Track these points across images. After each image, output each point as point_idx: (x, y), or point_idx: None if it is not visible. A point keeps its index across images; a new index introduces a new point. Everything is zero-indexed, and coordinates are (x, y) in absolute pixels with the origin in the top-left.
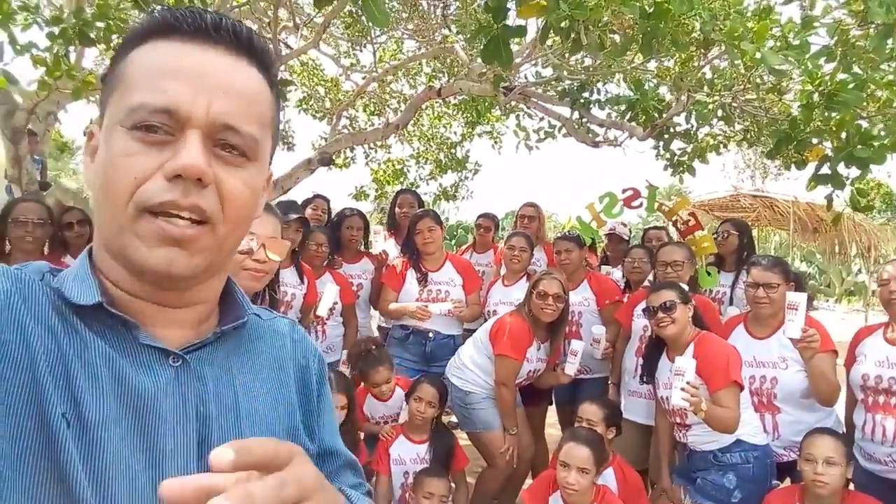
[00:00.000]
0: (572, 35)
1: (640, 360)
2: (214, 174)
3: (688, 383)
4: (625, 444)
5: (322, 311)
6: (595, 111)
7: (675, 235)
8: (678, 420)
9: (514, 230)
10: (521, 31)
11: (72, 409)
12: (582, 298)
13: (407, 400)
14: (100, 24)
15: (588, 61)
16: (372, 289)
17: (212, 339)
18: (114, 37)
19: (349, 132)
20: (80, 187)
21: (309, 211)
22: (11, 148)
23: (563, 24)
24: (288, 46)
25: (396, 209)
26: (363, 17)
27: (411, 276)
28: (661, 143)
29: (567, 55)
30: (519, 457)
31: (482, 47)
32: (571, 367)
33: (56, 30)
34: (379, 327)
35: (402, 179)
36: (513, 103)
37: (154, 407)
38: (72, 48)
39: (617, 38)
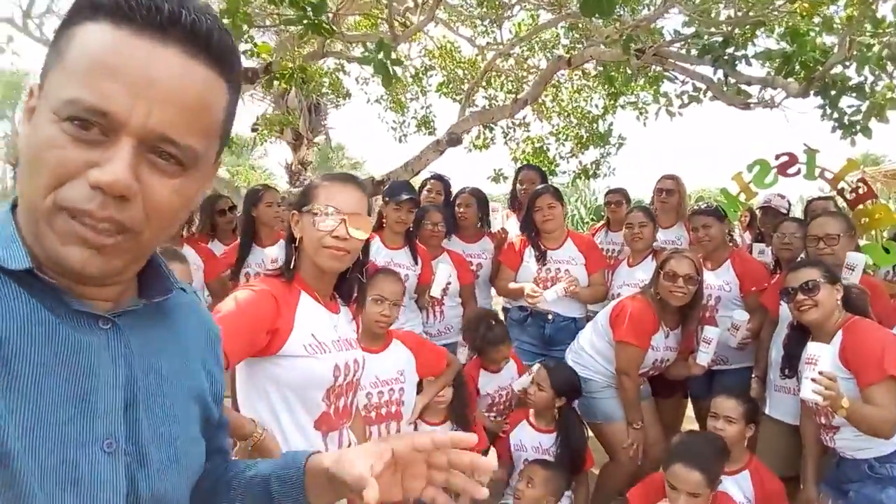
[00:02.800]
0: None
1: None
2: (143, 184)
3: (820, 373)
4: (769, 446)
5: (435, 291)
6: (743, 68)
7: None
8: (823, 420)
9: (637, 206)
10: None
11: (1, 367)
12: (722, 282)
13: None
14: (226, 20)
15: (730, 12)
16: (492, 268)
17: (139, 307)
18: (244, 28)
19: (478, 111)
20: (231, 178)
21: (424, 193)
22: None
23: None
24: (405, 26)
25: (518, 186)
26: None
27: (529, 254)
28: (828, 101)
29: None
30: (645, 453)
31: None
32: (705, 357)
33: None
34: (503, 308)
35: (541, 158)
36: (656, 69)
37: (88, 365)
38: None
39: None
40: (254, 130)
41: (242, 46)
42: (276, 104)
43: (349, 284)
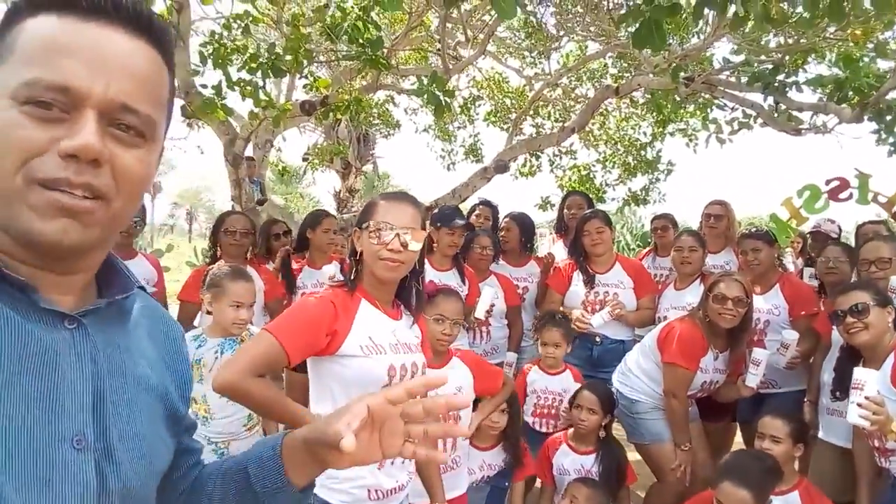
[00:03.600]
0: (731, 6)
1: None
2: (109, 153)
3: (867, 398)
4: (822, 470)
5: (479, 313)
6: (793, 94)
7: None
8: (877, 443)
9: (686, 229)
10: (674, 10)
11: None
12: (771, 306)
13: (569, 407)
14: (289, 57)
15: (780, 40)
16: (538, 291)
17: (102, 306)
18: (304, 64)
19: (525, 139)
20: (286, 204)
21: (472, 218)
22: (232, 171)
23: None
24: (456, 59)
25: (565, 211)
26: (546, 25)
27: (577, 278)
28: (883, 126)
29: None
30: (693, 475)
31: (633, 32)
32: (753, 379)
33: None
34: None
35: (588, 185)
36: (705, 96)
37: (55, 364)
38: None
39: (785, 5)
40: (304, 160)
41: (301, 82)
42: (326, 135)
43: (408, 293)
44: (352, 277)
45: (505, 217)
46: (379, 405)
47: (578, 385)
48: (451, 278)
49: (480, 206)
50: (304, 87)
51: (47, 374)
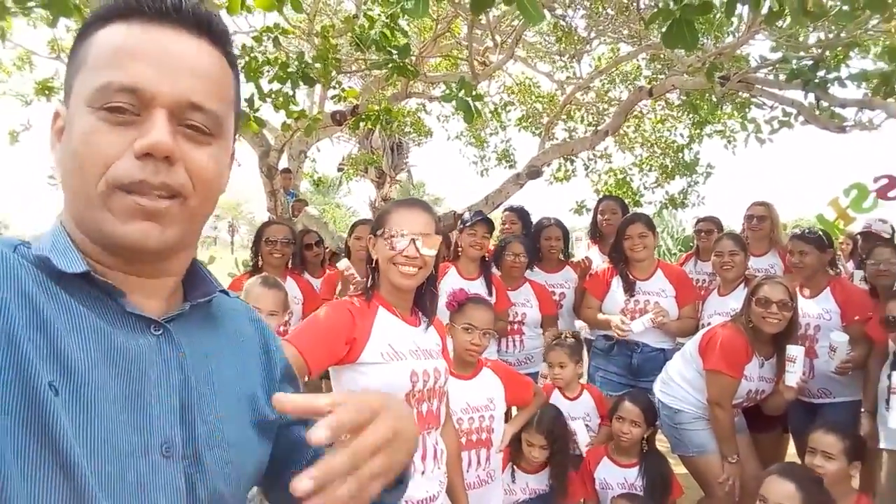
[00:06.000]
0: (764, 1)
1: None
2: (181, 151)
3: None
4: (886, 481)
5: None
6: (836, 90)
7: None
8: None
9: (726, 233)
10: (706, 8)
11: (60, 377)
12: (822, 310)
13: (610, 418)
14: (318, 66)
15: (820, 35)
16: (575, 297)
17: (186, 311)
18: (333, 73)
19: (557, 143)
20: (321, 215)
21: (501, 226)
22: (267, 183)
23: None
24: (484, 65)
25: (599, 216)
26: (576, 29)
27: (617, 283)
28: None
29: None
30: (742, 489)
31: (664, 32)
32: (792, 378)
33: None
34: (585, 339)
35: (624, 189)
36: (743, 95)
37: (142, 371)
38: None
39: None
40: (339, 170)
41: (331, 92)
42: (360, 144)
43: (425, 298)
44: (369, 285)
45: (546, 224)
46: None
47: (595, 407)
48: (478, 287)
49: (507, 213)
50: (333, 97)
51: (135, 382)
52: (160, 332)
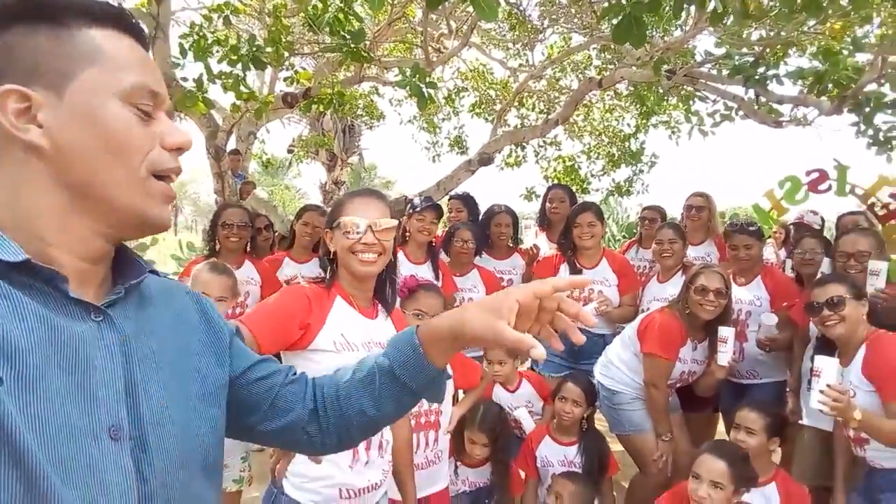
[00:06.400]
0: (710, 1)
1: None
2: None
3: (828, 386)
4: (806, 455)
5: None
6: (774, 87)
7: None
8: (851, 433)
9: (666, 222)
10: (655, 6)
11: (3, 365)
12: (753, 297)
13: (552, 399)
14: (269, 49)
15: (762, 33)
16: (523, 283)
17: (123, 295)
18: (286, 56)
19: (509, 131)
20: (270, 197)
21: (448, 213)
22: (214, 164)
23: None
24: (439, 51)
25: (547, 204)
26: (530, 17)
27: (564, 271)
28: (862, 119)
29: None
30: (675, 465)
31: (614, 26)
32: (724, 357)
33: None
34: None
35: (573, 176)
36: (688, 88)
37: (86, 357)
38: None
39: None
40: (289, 152)
41: (283, 73)
42: (311, 126)
43: (385, 288)
44: (328, 278)
45: (499, 209)
46: (526, 300)
47: (536, 392)
48: (425, 271)
49: (452, 200)
50: (286, 79)
51: (80, 367)
52: (100, 317)
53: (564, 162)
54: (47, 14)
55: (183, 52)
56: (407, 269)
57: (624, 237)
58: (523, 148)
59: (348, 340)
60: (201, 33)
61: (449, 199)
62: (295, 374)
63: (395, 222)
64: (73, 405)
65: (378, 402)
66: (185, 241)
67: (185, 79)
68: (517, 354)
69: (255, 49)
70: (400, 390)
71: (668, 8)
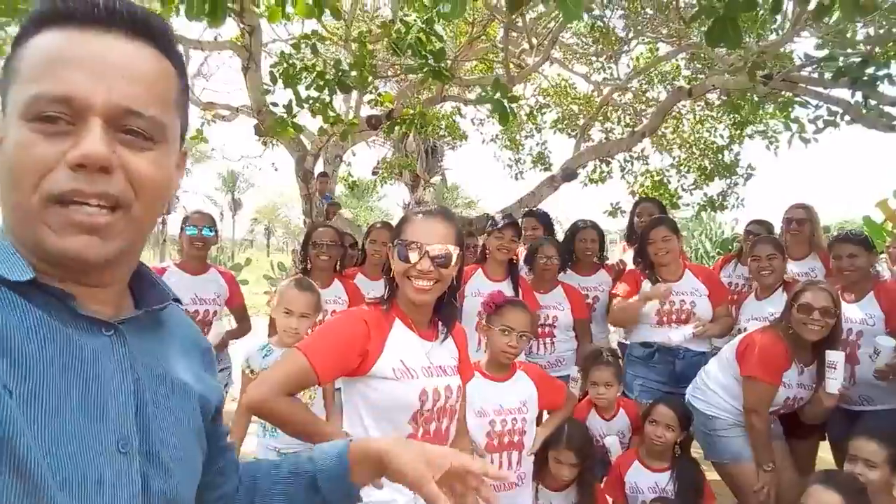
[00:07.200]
0: None
1: None
2: (120, 158)
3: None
4: None
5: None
6: (885, 88)
7: None
8: None
9: (763, 237)
10: (750, 5)
11: (14, 380)
12: (865, 315)
13: (643, 422)
14: (354, 73)
15: (869, 31)
16: (609, 301)
17: (139, 316)
18: (370, 79)
19: (593, 145)
20: (354, 217)
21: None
22: (303, 187)
23: None
24: (520, 67)
25: (636, 219)
26: (615, 29)
27: (647, 286)
28: None
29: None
30: (778, 498)
31: (707, 30)
32: (834, 384)
33: (321, 82)
34: (619, 343)
35: (661, 191)
36: (786, 95)
37: (97, 370)
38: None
39: None
40: (374, 174)
41: (367, 96)
42: (395, 148)
43: (446, 311)
44: (386, 296)
45: (584, 224)
46: (457, 469)
47: (630, 424)
48: (505, 289)
49: (527, 218)
50: (369, 102)
51: (90, 379)
52: (111, 332)
53: (653, 176)
54: (17, 38)
55: (273, 80)
56: (486, 286)
57: (718, 253)
58: (608, 163)
59: (407, 367)
60: (290, 61)
61: (524, 217)
62: (234, 455)
63: (457, 250)
64: (83, 418)
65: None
66: (277, 262)
67: (275, 104)
68: (621, 379)
69: (340, 73)
70: (313, 497)
71: (764, 8)
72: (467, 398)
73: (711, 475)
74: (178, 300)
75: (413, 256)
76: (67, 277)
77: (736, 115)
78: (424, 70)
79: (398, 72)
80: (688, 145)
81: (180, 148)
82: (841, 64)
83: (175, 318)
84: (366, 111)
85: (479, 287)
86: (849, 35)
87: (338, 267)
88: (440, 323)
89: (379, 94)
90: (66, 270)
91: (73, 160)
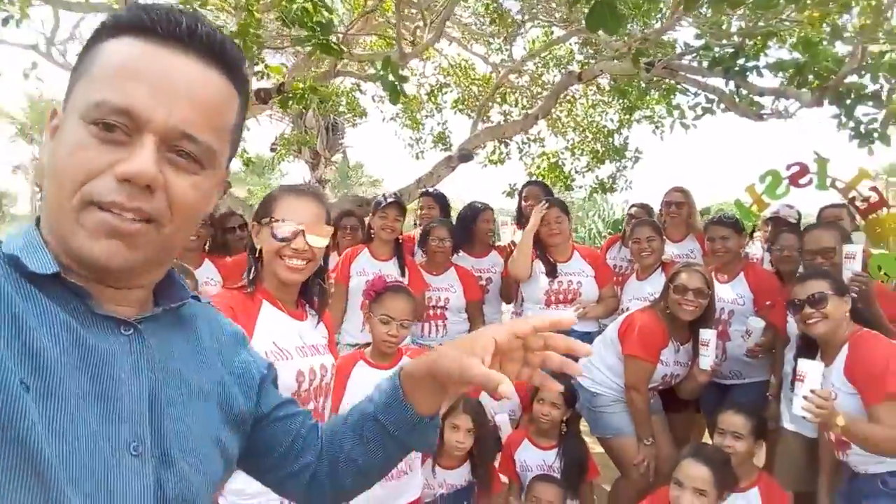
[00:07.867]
0: None
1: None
2: (165, 178)
3: (811, 391)
4: (787, 460)
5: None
6: (754, 79)
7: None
8: (832, 436)
9: (642, 220)
10: None
11: (30, 373)
12: (736, 295)
13: (531, 401)
14: (237, 41)
15: (741, 24)
16: (502, 283)
17: (158, 314)
18: (255, 50)
19: (490, 126)
20: (247, 196)
21: (419, 211)
22: None
23: None
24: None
25: (523, 202)
26: (508, 10)
27: (538, 268)
28: (843, 111)
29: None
30: (657, 469)
31: (587, 14)
32: (706, 361)
33: None
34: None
35: (556, 173)
36: (669, 81)
37: (112, 370)
38: None
39: None
40: (272, 150)
41: (255, 68)
42: (294, 124)
43: (311, 291)
44: (251, 277)
45: (483, 206)
46: (505, 339)
47: (518, 400)
48: (391, 268)
49: (424, 197)
50: (256, 74)
51: (105, 380)
52: (130, 331)
53: (548, 158)
54: (95, 34)
55: None
56: (372, 266)
57: (610, 233)
58: (507, 145)
59: (280, 348)
60: None
61: (420, 196)
62: (312, 420)
63: (330, 229)
64: (96, 418)
65: (366, 450)
66: None
67: None
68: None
69: None
70: (384, 436)
71: None
72: (355, 388)
73: (596, 449)
74: (196, 297)
75: (288, 235)
76: (91, 277)
77: (624, 101)
78: (312, 43)
79: (287, 44)
80: (581, 129)
81: (225, 173)
82: (716, 54)
83: (202, 314)
84: (254, 84)
85: (365, 266)
86: (723, 27)
87: (206, 247)
88: (307, 305)
89: (266, 66)
90: (89, 270)
91: (122, 174)
